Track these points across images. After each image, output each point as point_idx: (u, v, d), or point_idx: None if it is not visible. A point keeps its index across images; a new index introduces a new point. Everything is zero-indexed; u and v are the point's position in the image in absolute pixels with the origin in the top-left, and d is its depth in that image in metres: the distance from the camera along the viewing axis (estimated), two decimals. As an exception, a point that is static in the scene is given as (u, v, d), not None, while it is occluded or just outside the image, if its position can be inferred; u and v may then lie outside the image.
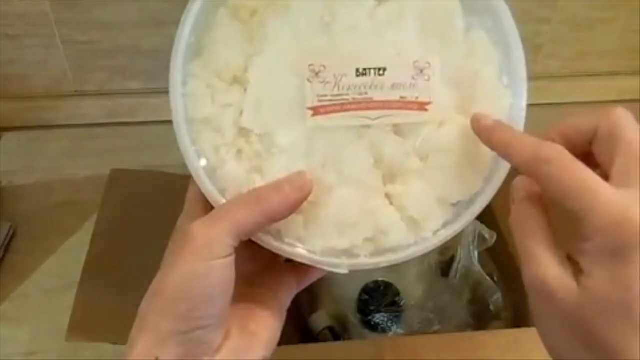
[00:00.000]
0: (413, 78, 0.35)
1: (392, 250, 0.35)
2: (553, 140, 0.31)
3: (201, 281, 0.31)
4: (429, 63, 0.35)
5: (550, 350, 0.29)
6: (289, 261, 0.38)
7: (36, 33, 0.73)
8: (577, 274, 0.28)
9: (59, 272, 0.65)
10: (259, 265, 0.38)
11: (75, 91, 0.79)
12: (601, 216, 0.26)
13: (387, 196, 0.35)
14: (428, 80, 0.35)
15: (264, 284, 0.37)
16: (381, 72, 0.34)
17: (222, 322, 0.32)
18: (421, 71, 0.35)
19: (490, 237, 0.58)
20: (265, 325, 0.35)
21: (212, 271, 0.31)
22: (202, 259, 0.31)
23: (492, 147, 0.33)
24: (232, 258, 0.31)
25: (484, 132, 0.34)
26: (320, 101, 0.34)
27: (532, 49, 0.78)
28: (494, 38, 0.36)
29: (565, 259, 0.29)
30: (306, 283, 0.38)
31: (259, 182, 0.34)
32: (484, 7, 0.36)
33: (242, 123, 0.34)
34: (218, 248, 0.31)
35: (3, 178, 0.74)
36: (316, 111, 0.34)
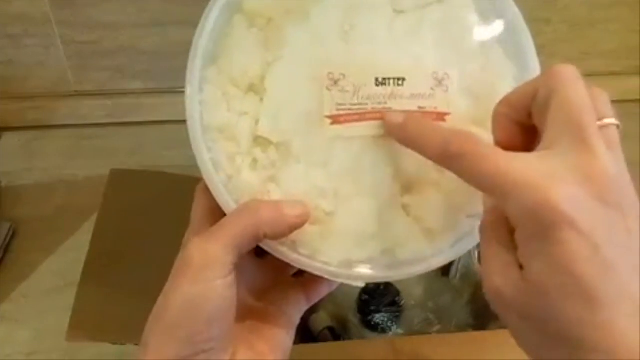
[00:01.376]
0: (432, 89, 0.34)
1: (409, 262, 0.34)
2: (503, 114, 0.30)
3: (202, 304, 0.30)
4: (447, 74, 0.35)
5: (527, 353, 0.28)
6: (296, 275, 0.38)
7: (36, 33, 0.73)
8: (521, 270, 0.26)
9: (59, 272, 0.65)
10: (267, 282, 0.37)
11: (75, 91, 0.79)
12: (517, 203, 0.25)
13: (404, 207, 0.35)
14: (446, 91, 0.35)
15: (272, 300, 0.36)
16: (400, 82, 0.34)
17: (227, 343, 0.32)
18: (440, 82, 0.35)
19: (491, 237, 0.58)
20: (274, 344, 0.34)
21: (212, 293, 0.30)
22: (201, 281, 0.30)
23: (406, 144, 0.32)
24: (232, 277, 0.30)
25: (396, 130, 0.33)
26: (338, 110, 0.34)
27: (532, 49, 0.78)
28: (510, 51, 0.36)
29: (515, 261, 0.27)
30: (315, 299, 0.37)
31: (274, 191, 0.33)
32: (500, 20, 0.36)
33: (259, 132, 0.34)
34: (217, 267, 0.30)
35: (3, 178, 0.74)
36: (335, 120, 0.33)
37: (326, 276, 0.34)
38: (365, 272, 0.34)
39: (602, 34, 0.80)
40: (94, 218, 0.59)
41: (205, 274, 0.30)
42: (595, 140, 0.26)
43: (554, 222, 0.24)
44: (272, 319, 0.35)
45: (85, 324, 0.51)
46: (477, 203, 0.34)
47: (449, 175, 0.34)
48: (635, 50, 0.82)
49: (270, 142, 0.34)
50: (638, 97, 0.82)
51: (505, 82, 0.36)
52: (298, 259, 0.33)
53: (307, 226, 0.33)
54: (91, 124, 0.81)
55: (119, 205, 0.59)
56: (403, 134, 0.32)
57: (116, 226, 0.58)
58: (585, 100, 0.27)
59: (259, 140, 0.34)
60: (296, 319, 0.36)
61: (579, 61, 0.82)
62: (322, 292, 0.37)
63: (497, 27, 0.36)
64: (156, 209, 0.58)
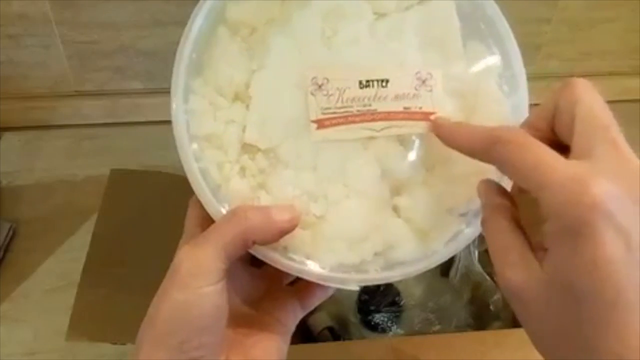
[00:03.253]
0: (416, 89, 0.35)
1: (403, 263, 0.34)
2: None
3: (192, 311, 0.29)
4: (430, 74, 0.35)
5: (537, 348, 0.28)
6: (292, 284, 0.37)
7: (36, 33, 0.73)
8: (542, 259, 0.26)
9: (59, 272, 0.65)
10: (261, 290, 0.37)
11: (75, 91, 0.79)
12: (555, 195, 0.25)
13: (395, 208, 0.35)
14: (430, 90, 0.35)
15: (267, 308, 0.36)
16: (384, 83, 0.34)
17: (218, 350, 0.31)
18: (423, 82, 0.35)
19: (491, 237, 0.58)
20: (268, 351, 0.34)
21: (202, 300, 0.29)
22: (190, 288, 0.29)
23: (451, 141, 0.33)
24: (222, 284, 0.30)
25: (442, 129, 0.33)
26: (324, 114, 0.34)
27: (532, 49, 0.78)
28: (493, 48, 0.36)
29: (530, 254, 0.27)
30: (310, 306, 0.37)
31: (264, 198, 0.33)
32: (482, 18, 0.36)
33: (246, 139, 0.34)
34: (206, 274, 0.30)
35: (3, 178, 0.74)
36: (320, 124, 0.34)
37: (319, 281, 0.33)
38: (358, 276, 0.34)
39: (602, 34, 0.80)
40: (94, 218, 0.59)
41: (195, 281, 0.29)
42: (623, 143, 0.27)
43: (592, 216, 0.24)
44: (267, 326, 0.34)
45: (85, 324, 0.51)
46: (468, 201, 0.35)
47: (439, 175, 0.34)
48: (635, 50, 0.82)
49: (257, 149, 0.34)
50: (638, 97, 0.82)
51: (490, 79, 0.36)
52: (290, 264, 0.33)
53: (298, 231, 0.32)
54: (91, 124, 0.81)
55: (119, 205, 0.59)
56: (449, 133, 0.33)
57: (116, 226, 0.58)
58: (606, 107, 0.28)
59: (246, 148, 0.34)
60: (291, 326, 0.36)
61: (579, 61, 0.82)
62: (317, 299, 0.37)
63: (479, 26, 0.37)
64: (156, 209, 0.58)
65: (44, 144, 0.79)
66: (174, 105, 0.33)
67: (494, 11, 0.37)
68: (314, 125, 0.34)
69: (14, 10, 0.71)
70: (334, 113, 0.34)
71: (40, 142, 0.79)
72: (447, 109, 0.35)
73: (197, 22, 0.35)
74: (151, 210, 0.58)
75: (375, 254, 0.34)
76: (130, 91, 0.80)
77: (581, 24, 0.79)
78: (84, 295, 0.52)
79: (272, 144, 0.34)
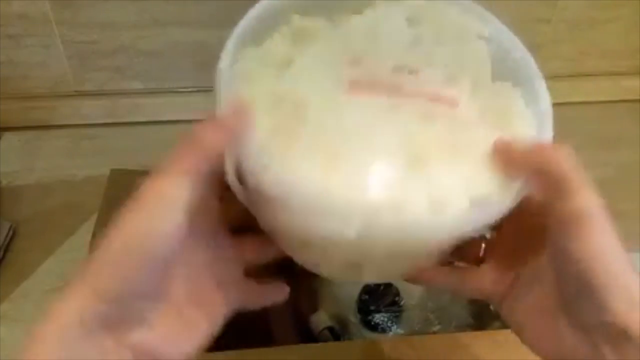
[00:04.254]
0: (444, 84, 0.36)
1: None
2: None
3: (146, 241, 0.28)
4: (459, 78, 0.37)
5: None
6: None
7: (36, 33, 0.73)
8: None
9: (59, 272, 0.64)
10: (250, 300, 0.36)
11: (75, 91, 0.79)
12: None
13: (410, 179, 0.33)
14: (460, 90, 0.36)
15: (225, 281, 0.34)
16: (416, 72, 0.37)
17: (160, 296, 0.29)
18: (452, 80, 0.37)
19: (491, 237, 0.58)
20: (207, 318, 0.32)
21: (159, 230, 0.28)
22: (150, 216, 0.28)
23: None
24: (184, 217, 0.28)
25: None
26: (354, 81, 0.36)
27: (532, 49, 0.77)
28: (520, 89, 0.37)
29: None
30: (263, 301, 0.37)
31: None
32: (510, 60, 0.38)
33: (279, 89, 0.35)
34: (169, 202, 0.28)
35: (3, 178, 0.74)
36: (350, 88, 0.35)
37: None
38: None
39: (602, 34, 0.80)
40: (94, 218, 0.59)
41: (155, 209, 0.28)
42: None
43: None
44: (214, 296, 0.33)
45: (85, 324, 0.50)
46: (490, 186, 0.33)
47: (462, 153, 0.34)
48: (636, 50, 0.82)
49: (289, 101, 0.34)
50: (638, 97, 0.82)
51: (516, 105, 0.37)
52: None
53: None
54: (91, 124, 0.81)
55: (119, 206, 0.59)
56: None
57: (116, 226, 0.58)
58: None
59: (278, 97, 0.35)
60: (234, 304, 0.34)
61: (579, 61, 0.82)
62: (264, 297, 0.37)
63: (507, 66, 0.38)
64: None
65: (44, 144, 0.79)
66: (222, 57, 0.34)
67: (523, 54, 0.38)
68: (344, 89, 0.35)
69: (14, 10, 0.71)
70: (365, 84, 0.36)
71: (40, 142, 0.79)
72: (473, 112, 0.36)
73: (260, 9, 0.37)
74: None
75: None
76: (130, 91, 0.80)
77: (581, 24, 0.79)
78: (84, 295, 0.52)
79: (301, 99, 0.34)
